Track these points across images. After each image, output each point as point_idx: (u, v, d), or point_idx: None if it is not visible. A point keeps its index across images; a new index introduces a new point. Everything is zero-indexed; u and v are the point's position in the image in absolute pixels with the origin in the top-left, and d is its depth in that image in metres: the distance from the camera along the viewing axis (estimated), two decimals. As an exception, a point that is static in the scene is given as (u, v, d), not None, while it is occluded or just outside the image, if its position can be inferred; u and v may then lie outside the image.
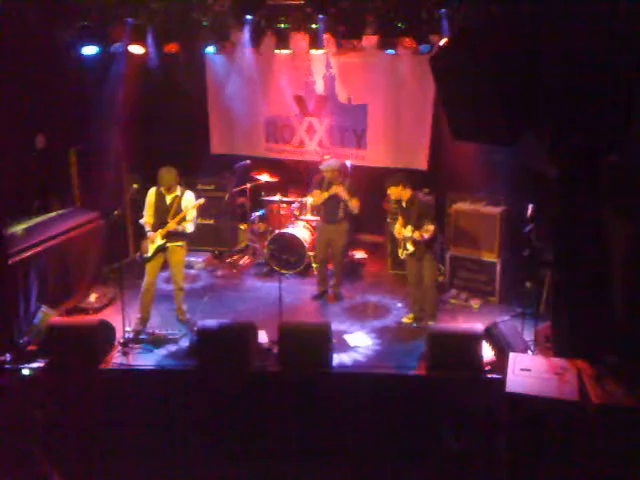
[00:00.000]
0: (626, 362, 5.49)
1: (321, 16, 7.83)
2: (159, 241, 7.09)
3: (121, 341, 6.77)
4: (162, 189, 7.13)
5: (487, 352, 6.28)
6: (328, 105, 9.94)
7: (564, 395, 5.25)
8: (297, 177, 10.00)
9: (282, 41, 8.48)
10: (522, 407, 5.27)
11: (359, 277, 9.09)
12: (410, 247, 7.18)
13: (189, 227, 7.14)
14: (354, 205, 7.78)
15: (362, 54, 9.09)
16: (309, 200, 9.07)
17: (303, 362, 6.25)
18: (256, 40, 8.42)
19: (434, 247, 7.24)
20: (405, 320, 7.54)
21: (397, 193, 7.14)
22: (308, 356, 6.27)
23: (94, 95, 8.35)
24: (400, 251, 7.41)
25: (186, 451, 6.09)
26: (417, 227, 7.02)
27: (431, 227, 6.94)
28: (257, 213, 9.88)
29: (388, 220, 8.25)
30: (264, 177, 9.52)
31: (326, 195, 7.85)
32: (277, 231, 9.09)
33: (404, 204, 7.18)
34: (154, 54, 8.49)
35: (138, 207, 7.72)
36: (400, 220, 7.29)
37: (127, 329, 6.88)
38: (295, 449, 6.09)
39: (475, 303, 7.99)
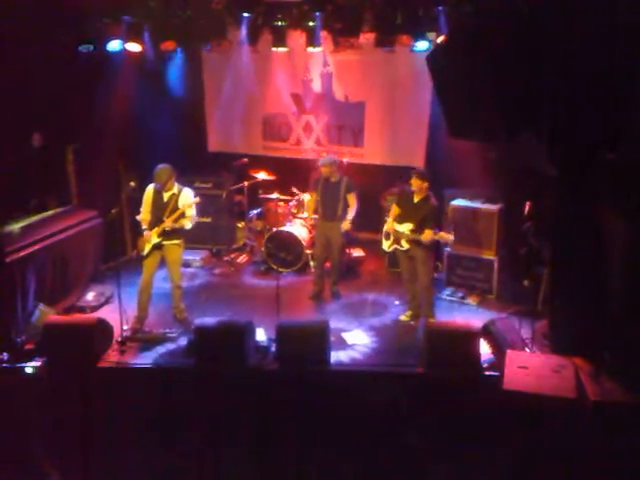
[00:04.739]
0: (623, 359, 5.51)
1: (318, 14, 7.84)
2: (155, 239, 7.08)
3: (119, 339, 6.75)
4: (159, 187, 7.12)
5: (485, 349, 6.29)
6: (325, 103, 9.94)
7: (562, 392, 5.26)
8: (294, 175, 9.99)
9: (279, 39, 8.49)
10: (519, 404, 5.28)
11: (357, 275, 9.07)
12: (405, 245, 7.17)
13: (187, 224, 7.10)
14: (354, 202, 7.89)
15: (359, 52, 9.08)
16: (306, 198, 9.08)
17: (301, 360, 6.24)
18: (253, 38, 8.42)
19: (429, 246, 7.17)
20: (403, 318, 7.54)
21: (418, 186, 7.07)
22: (306, 354, 6.25)
23: (91, 93, 8.32)
24: (387, 244, 7.41)
25: (184, 449, 6.08)
26: (418, 227, 7.00)
27: (430, 233, 6.89)
28: (255, 211, 9.89)
29: (386, 218, 8.22)
30: (261, 175, 9.51)
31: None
32: (275, 229, 9.08)
33: (415, 199, 7.15)
34: (151, 52, 8.48)
35: (135, 205, 7.69)
36: (393, 213, 7.28)
37: (124, 327, 6.87)
38: (293, 447, 6.08)
39: (473, 300, 7.99)
